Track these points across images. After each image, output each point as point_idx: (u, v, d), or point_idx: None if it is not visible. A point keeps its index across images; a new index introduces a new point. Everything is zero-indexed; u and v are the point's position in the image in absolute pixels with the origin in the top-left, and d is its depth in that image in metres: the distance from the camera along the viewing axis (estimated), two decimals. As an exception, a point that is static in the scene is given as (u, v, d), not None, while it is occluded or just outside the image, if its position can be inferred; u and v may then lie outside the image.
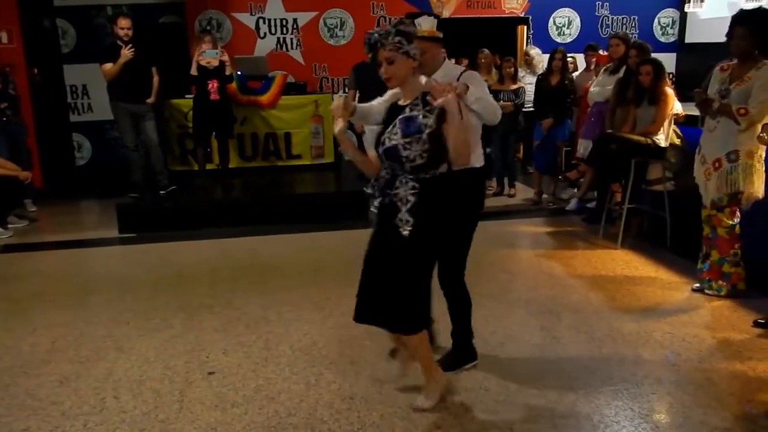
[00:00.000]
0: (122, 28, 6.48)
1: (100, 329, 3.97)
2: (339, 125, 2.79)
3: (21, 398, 3.17)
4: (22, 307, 4.39)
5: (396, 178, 2.72)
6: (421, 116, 2.66)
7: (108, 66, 6.50)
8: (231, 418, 2.94)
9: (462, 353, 3.37)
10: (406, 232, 2.68)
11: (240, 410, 3.00)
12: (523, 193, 7.42)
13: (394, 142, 2.67)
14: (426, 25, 2.97)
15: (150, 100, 6.74)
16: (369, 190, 2.88)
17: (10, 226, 6.41)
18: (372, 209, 2.89)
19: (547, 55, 7.20)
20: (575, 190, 7.02)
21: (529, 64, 7.99)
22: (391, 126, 2.71)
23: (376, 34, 2.69)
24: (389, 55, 2.66)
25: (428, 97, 2.68)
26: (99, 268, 5.44)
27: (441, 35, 3.04)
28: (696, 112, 4.76)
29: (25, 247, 5.91)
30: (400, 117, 2.70)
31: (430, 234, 2.74)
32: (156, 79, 6.75)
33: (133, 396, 3.16)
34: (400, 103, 2.80)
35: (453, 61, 8.33)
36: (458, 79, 3.01)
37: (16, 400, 3.16)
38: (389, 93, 3.00)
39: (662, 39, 9.45)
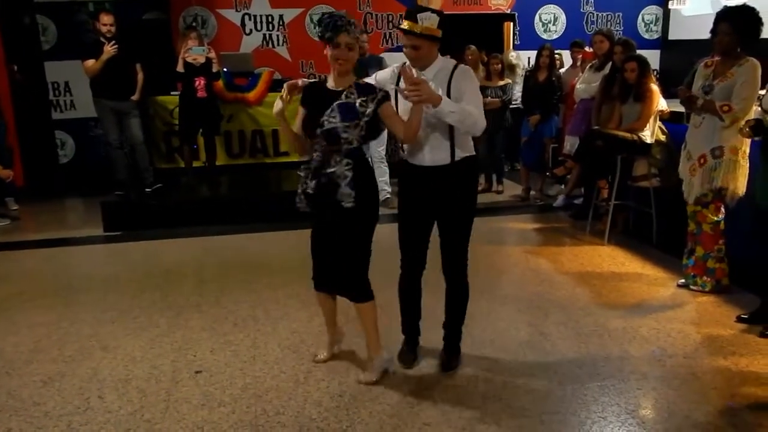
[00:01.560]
0: (105, 24, 6.42)
1: (85, 328, 3.93)
2: (278, 106, 3.01)
3: (3, 399, 3.13)
4: (5, 306, 4.33)
5: (329, 159, 2.96)
6: (358, 104, 2.92)
7: (90, 63, 6.43)
8: (218, 417, 2.92)
9: (455, 350, 3.40)
10: (349, 205, 2.94)
11: (227, 409, 2.98)
12: (510, 189, 7.44)
13: (333, 125, 2.90)
14: (426, 21, 2.96)
15: (134, 97, 6.68)
16: (302, 173, 3.08)
17: (-8, 224, 6.34)
18: (298, 197, 3.09)
19: (533, 53, 7.22)
20: (562, 186, 7.05)
21: (512, 69, 7.96)
22: (329, 110, 2.92)
23: (344, 18, 2.92)
24: (351, 42, 2.92)
25: (396, 87, 2.96)
26: (84, 266, 5.39)
27: (438, 34, 3.00)
28: (681, 109, 4.79)
29: (8, 246, 5.83)
30: (339, 103, 2.92)
31: (370, 203, 3.04)
32: (140, 76, 6.70)
33: (119, 396, 3.13)
34: (331, 87, 3.01)
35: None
36: (452, 74, 3.04)
37: (0, 400, 3.12)
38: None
39: (646, 36, 9.50)
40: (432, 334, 3.48)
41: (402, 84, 2.95)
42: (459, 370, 3.32)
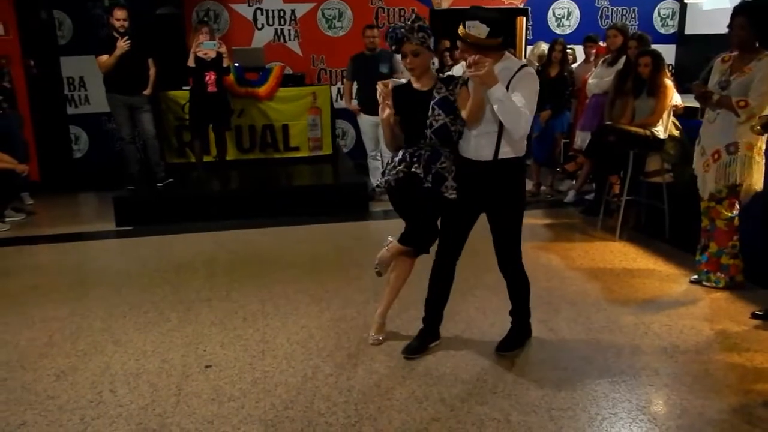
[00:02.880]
0: (118, 20, 6.43)
1: (98, 323, 3.96)
2: (386, 112, 3.17)
3: (18, 392, 3.17)
4: (19, 300, 4.38)
5: (439, 154, 3.19)
6: (450, 96, 3.15)
7: (104, 58, 6.45)
8: (228, 411, 2.94)
9: (521, 332, 3.51)
10: (453, 196, 3.22)
11: (237, 404, 2.99)
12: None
13: (441, 122, 3.13)
14: (472, 30, 3.00)
15: (147, 92, 6.69)
16: (399, 165, 3.24)
17: (7, 219, 6.40)
18: (377, 185, 3.37)
19: (546, 47, 7.17)
20: (573, 182, 7.00)
21: (541, 58, 7.89)
22: (431, 111, 3.13)
23: (402, 29, 3.11)
24: (415, 48, 3.11)
25: (466, 70, 3.00)
26: (96, 261, 5.43)
27: (485, 43, 3.00)
28: (695, 104, 4.74)
29: (23, 241, 5.89)
30: (435, 101, 3.14)
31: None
32: (153, 71, 6.71)
33: (130, 390, 3.15)
34: (418, 88, 3.22)
35: (448, 53, 8.35)
36: (514, 75, 3.06)
37: (13, 394, 3.15)
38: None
39: (662, 30, 9.39)
40: (445, 329, 3.48)
41: (436, 93, 3.16)
42: (468, 365, 3.31)
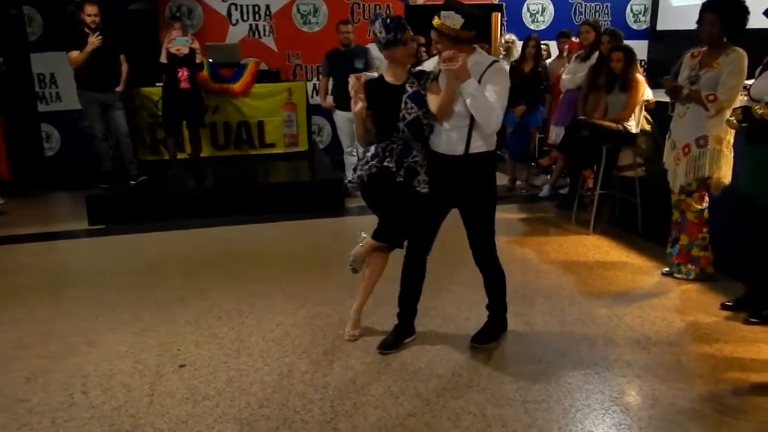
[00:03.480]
0: (89, 15, 6.32)
1: (69, 323, 3.90)
2: (359, 105, 3.20)
3: (-13, 395, 3.11)
4: (-11, 301, 4.30)
5: (411, 148, 3.21)
6: (422, 91, 3.18)
7: (74, 54, 6.34)
8: (202, 410, 2.91)
9: (497, 325, 3.53)
10: (425, 190, 3.23)
11: (211, 403, 2.97)
12: (497, 179, 7.41)
13: (414, 115, 3.15)
14: (447, 20, 3.03)
15: (119, 89, 6.59)
16: (371, 160, 3.24)
17: (-24, 219, 6.27)
18: (349, 180, 3.42)
19: (520, 43, 7.21)
20: (548, 176, 7.05)
21: (509, 51, 7.96)
22: (403, 104, 3.15)
23: (391, 19, 3.15)
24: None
25: (440, 64, 3.05)
26: (68, 261, 5.34)
27: (458, 34, 3.02)
28: (667, 99, 4.80)
29: (-8, 241, 5.78)
30: (408, 94, 3.16)
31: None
32: (125, 67, 6.61)
33: (103, 391, 3.11)
34: (391, 81, 3.22)
35: (424, 49, 8.36)
36: (485, 71, 3.09)
37: (-18, 397, 3.10)
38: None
39: (634, 26, 9.50)
40: (420, 325, 3.49)
41: (443, 73, 3.12)
42: (444, 359, 3.33)
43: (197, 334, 3.70)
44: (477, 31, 3.08)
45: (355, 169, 3.41)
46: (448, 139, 3.17)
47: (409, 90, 3.18)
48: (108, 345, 3.60)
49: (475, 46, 3.18)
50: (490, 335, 3.51)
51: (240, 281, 4.50)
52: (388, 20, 3.14)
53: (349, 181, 3.51)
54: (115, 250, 5.41)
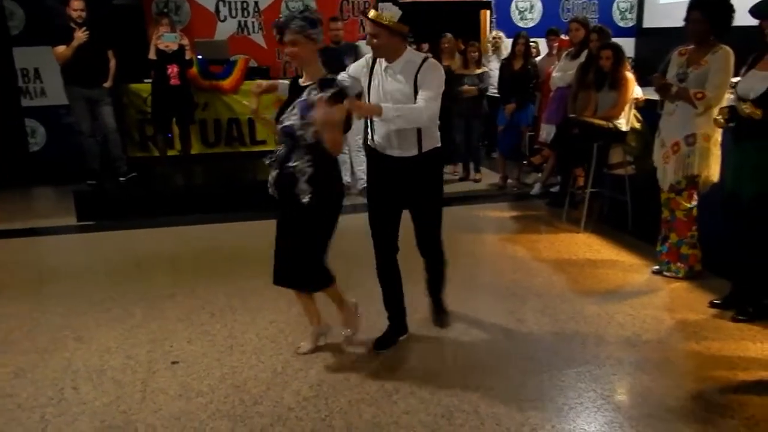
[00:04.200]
0: (75, 10, 6.26)
1: (58, 319, 3.86)
2: (253, 103, 3.19)
3: (-26, 392, 3.08)
4: (-25, 298, 4.25)
5: (292, 152, 3.00)
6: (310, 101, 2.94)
7: (60, 49, 6.27)
8: (195, 407, 2.90)
9: (444, 309, 3.62)
10: (305, 200, 2.98)
11: (205, 399, 2.96)
12: (488, 178, 7.47)
13: (291, 122, 2.96)
14: (385, 12, 3.02)
15: (107, 85, 6.54)
16: (267, 161, 3.13)
17: (-40, 214, 6.19)
18: (269, 184, 3.13)
19: (509, 41, 7.24)
20: (539, 174, 7.08)
21: (497, 47, 8.01)
22: (290, 107, 2.99)
23: (282, 18, 3.00)
24: (293, 38, 2.96)
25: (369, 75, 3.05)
26: (56, 256, 5.30)
27: (397, 27, 3.03)
28: (656, 97, 4.83)
29: (-23, 237, 5.71)
30: (300, 100, 2.97)
31: (328, 200, 3.08)
32: (113, 63, 6.55)
33: (94, 386, 3.09)
34: (302, 82, 3.07)
35: (415, 47, 8.36)
36: (419, 69, 3.09)
37: (-31, 394, 3.06)
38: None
39: (621, 24, 9.56)
40: (411, 323, 3.49)
41: (375, 73, 3.14)
42: (437, 357, 3.35)
43: (189, 330, 3.68)
44: (410, 26, 3.09)
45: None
46: (401, 143, 3.16)
47: (305, 96, 2.97)
48: (98, 341, 3.57)
49: (407, 45, 3.18)
50: (445, 315, 3.61)
51: (231, 279, 4.47)
52: (276, 21, 3.06)
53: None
54: (104, 247, 5.37)
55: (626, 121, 5.26)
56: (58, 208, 6.48)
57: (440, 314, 3.62)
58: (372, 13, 3.04)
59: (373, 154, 3.31)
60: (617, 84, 5.22)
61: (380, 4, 3.03)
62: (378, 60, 3.18)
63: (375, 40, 3.05)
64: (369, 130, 3.27)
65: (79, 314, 3.93)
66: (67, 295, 4.27)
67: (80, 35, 6.19)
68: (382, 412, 2.85)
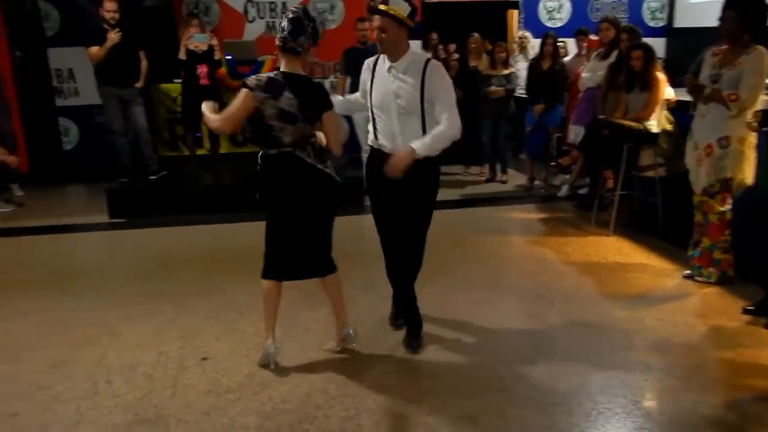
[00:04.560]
0: (108, 11, 6.37)
1: (91, 314, 3.94)
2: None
3: (10, 383, 3.15)
4: (11, 291, 4.35)
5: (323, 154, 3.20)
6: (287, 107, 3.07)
7: (94, 50, 6.39)
8: (225, 403, 2.93)
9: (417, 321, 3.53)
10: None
11: (234, 396, 2.99)
12: (514, 179, 7.42)
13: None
14: (394, 5, 3.06)
15: (138, 85, 6.65)
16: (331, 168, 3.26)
17: (-4, 210, 6.35)
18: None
19: (537, 41, 7.20)
20: (567, 176, 7.02)
21: (523, 47, 7.97)
22: None
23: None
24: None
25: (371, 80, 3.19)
26: (89, 253, 5.40)
27: (406, 20, 3.08)
28: (687, 98, 4.77)
29: (13, 232, 5.84)
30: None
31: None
32: (144, 63, 6.66)
33: (126, 381, 3.14)
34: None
35: (442, 47, 8.36)
36: (424, 69, 3.12)
37: (5, 384, 3.14)
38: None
39: (651, 23, 9.43)
40: (430, 324, 3.49)
41: (378, 74, 3.21)
42: (461, 358, 3.33)
43: (217, 327, 3.72)
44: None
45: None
46: (405, 142, 3.16)
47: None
48: (129, 336, 3.63)
49: (409, 45, 3.21)
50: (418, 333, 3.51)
51: (257, 277, 4.46)
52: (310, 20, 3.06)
53: None
54: (135, 244, 5.46)
55: (657, 122, 5.20)
56: (90, 205, 6.61)
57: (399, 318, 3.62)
58: (381, 5, 3.07)
59: (376, 153, 3.33)
60: (648, 85, 5.15)
61: (391, 0, 3.05)
62: (379, 60, 3.22)
63: (383, 35, 3.07)
64: (373, 129, 3.32)
65: (111, 310, 4.00)
66: (100, 290, 4.35)
67: (113, 36, 6.30)
68: (409, 412, 2.85)
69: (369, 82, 3.25)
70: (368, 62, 3.31)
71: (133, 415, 2.85)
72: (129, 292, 4.30)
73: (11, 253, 5.27)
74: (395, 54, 3.14)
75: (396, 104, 3.15)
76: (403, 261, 3.43)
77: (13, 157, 6.38)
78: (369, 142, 3.40)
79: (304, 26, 2.99)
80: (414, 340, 3.43)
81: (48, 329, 3.75)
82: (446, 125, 3.11)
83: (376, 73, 3.22)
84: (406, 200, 3.28)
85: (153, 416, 2.84)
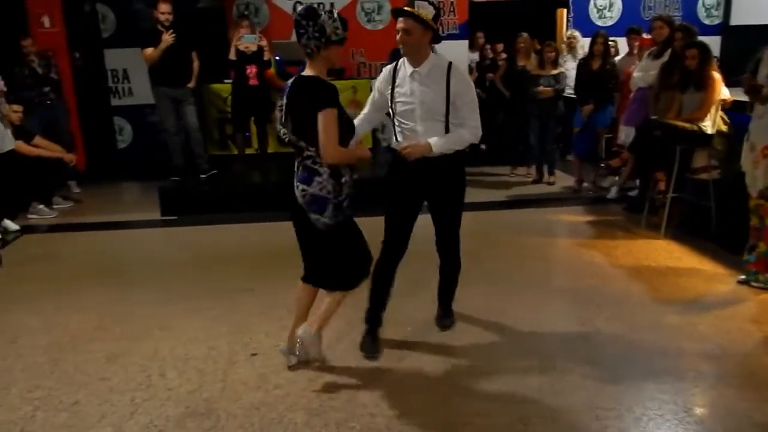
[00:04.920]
0: (163, 13, 6.54)
1: (145, 309, 4.06)
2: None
3: (71, 372, 3.28)
4: (68, 285, 4.51)
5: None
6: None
7: (149, 51, 6.57)
8: (273, 399, 2.99)
9: (450, 311, 3.69)
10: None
11: (282, 391, 3.05)
12: (561, 180, 7.33)
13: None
14: (420, 9, 3.08)
15: (191, 85, 6.81)
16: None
17: (55, 206, 6.60)
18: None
19: (587, 40, 7.08)
20: (616, 178, 6.90)
21: (571, 47, 7.86)
22: None
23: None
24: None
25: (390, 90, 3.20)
26: (142, 249, 5.56)
27: (430, 22, 3.09)
28: (744, 98, 4.63)
29: (70, 228, 6.07)
30: None
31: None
32: (196, 64, 6.82)
33: (178, 374, 3.23)
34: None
35: (489, 47, 8.31)
36: (448, 72, 3.13)
37: (66, 374, 3.27)
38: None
39: (706, 21, 9.16)
40: (477, 326, 3.47)
41: (400, 80, 3.19)
42: (511, 362, 3.31)
43: (267, 324, 3.79)
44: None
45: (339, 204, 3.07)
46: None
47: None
48: (181, 331, 3.73)
49: (433, 48, 3.23)
50: (451, 317, 3.67)
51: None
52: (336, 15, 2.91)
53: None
54: (186, 240, 5.61)
55: (712, 123, 5.06)
56: (143, 202, 6.81)
57: (444, 318, 3.68)
58: (407, 7, 3.08)
59: (398, 154, 3.32)
60: (703, 84, 5.02)
61: (417, 2, 3.06)
62: (399, 67, 3.22)
63: (408, 36, 3.08)
64: (396, 134, 3.32)
65: (163, 304, 4.12)
66: (152, 285, 4.48)
67: (167, 38, 6.47)
68: (456, 412, 2.85)
69: (390, 90, 3.24)
70: (387, 69, 3.29)
71: (184, 408, 2.93)
72: (180, 287, 4.41)
73: (69, 248, 5.47)
74: (417, 58, 3.14)
75: (421, 110, 3.16)
76: (443, 268, 3.53)
77: (70, 155, 6.63)
78: (392, 145, 3.41)
79: (302, 27, 2.86)
80: (448, 320, 3.65)
81: (106, 321, 3.89)
82: (469, 131, 3.17)
83: (397, 79, 3.22)
84: (434, 204, 3.33)
85: (204, 409, 2.92)
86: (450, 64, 3.18)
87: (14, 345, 3.61)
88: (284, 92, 3.01)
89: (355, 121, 3.26)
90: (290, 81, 3.05)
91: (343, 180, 2.98)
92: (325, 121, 2.83)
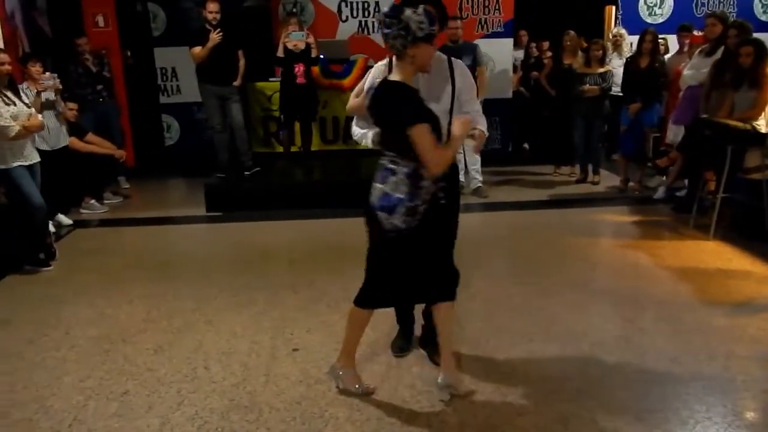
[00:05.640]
0: (211, 12, 6.67)
1: (190, 302, 4.15)
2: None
3: (120, 363, 3.38)
4: (118, 278, 4.65)
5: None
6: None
7: (197, 49, 6.71)
8: (315, 393, 3.03)
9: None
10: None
11: (323, 387, 3.08)
12: (607, 180, 7.20)
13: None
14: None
15: (237, 83, 6.93)
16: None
17: (106, 201, 6.80)
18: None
19: (635, 38, 6.93)
20: (663, 178, 6.74)
21: (617, 45, 7.71)
22: None
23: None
24: None
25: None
26: (188, 244, 5.69)
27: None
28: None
29: (120, 222, 6.25)
30: None
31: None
32: (242, 63, 6.93)
33: (222, 367, 3.30)
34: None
35: (534, 45, 8.20)
36: (451, 67, 3.01)
37: (116, 365, 3.37)
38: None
39: (763, 18, 8.84)
40: (519, 327, 3.44)
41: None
42: (552, 362, 3.28)
43: (308, 320, 3.84)
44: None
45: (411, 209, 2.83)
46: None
47: None
48: (225, 325, 3.81)
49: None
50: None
51: (347, 272, 4.54)
52: (426, 11, 2.62)
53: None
54: (230, 236, 5.71)
55: (766, 122, 4.90)
56: (189, 198, 6.96)
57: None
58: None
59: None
60: (758, 82, 4.88)
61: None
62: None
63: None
64: None
65: (208, 299, 4.21)
66: (197, 280, 4.58)
67: (215, 37, 6.59)
68: (496, 412, 2.84)
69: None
70: (383, 65, 3.10)
71: (228, 400, 2.99)
72: (224, 282, 4.50)
73: (119, 242, 5.64)
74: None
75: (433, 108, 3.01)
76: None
77: (121, 152, 6.83)
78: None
79: (387, 26, 2.64)
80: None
81: (153, 314, 3.99)
82: (483, 121, 3.07)
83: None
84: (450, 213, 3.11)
85: (247, 402, 2.97)
86: (449, 58, 3.06)
87: (67, 336, 3.74)
88: (368, 95, 2.87)
89: (360, 132, 3.34)
90: (375, 84, 2.87)
91: (422, 184, 2.76)
92: (417, 138, 2.62)
